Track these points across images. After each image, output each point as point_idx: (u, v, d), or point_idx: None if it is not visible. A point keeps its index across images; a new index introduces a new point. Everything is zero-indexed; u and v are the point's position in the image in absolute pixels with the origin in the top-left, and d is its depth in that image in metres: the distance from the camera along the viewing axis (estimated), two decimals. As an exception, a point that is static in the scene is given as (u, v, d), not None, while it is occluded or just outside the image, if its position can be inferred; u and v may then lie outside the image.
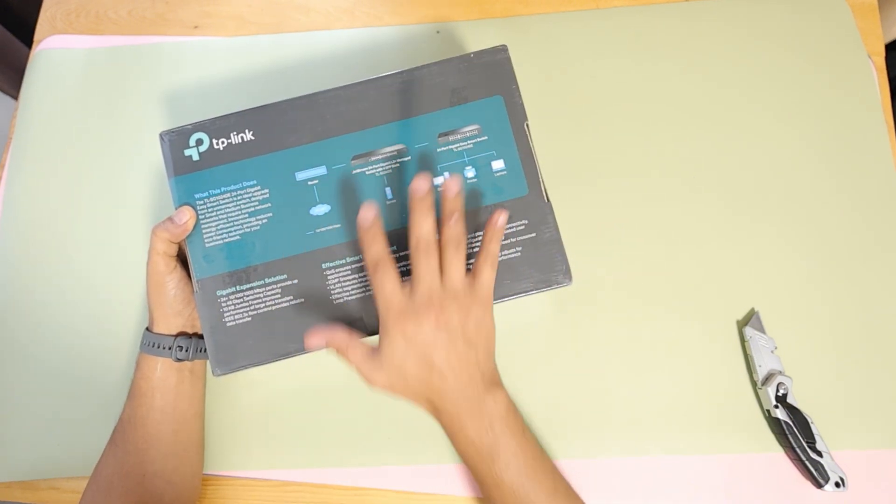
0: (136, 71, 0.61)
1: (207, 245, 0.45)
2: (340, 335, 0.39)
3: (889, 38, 0.65)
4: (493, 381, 0.41)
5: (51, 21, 0.65)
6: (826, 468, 0.45)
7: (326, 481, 0.49)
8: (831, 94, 0.56)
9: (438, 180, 0.45)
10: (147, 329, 0.45)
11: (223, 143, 0.47)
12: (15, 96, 0.82)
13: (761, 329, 0.49)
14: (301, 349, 0.44)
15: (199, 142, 0.47)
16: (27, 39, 0.66)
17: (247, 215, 0.45)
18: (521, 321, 0.51)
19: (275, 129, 0.47)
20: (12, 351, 0.53)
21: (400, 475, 0.49)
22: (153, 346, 0.44)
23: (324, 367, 0.50)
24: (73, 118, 0.60)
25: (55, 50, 0.62)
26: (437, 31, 0.60)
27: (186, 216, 0.43)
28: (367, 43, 0.61)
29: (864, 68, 0.56)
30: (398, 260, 0.44)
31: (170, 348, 0.44)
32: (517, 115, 0.46)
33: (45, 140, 0.59)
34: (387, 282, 0.38)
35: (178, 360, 0.44)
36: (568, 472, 0.48)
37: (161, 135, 0.47)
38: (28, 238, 0.56)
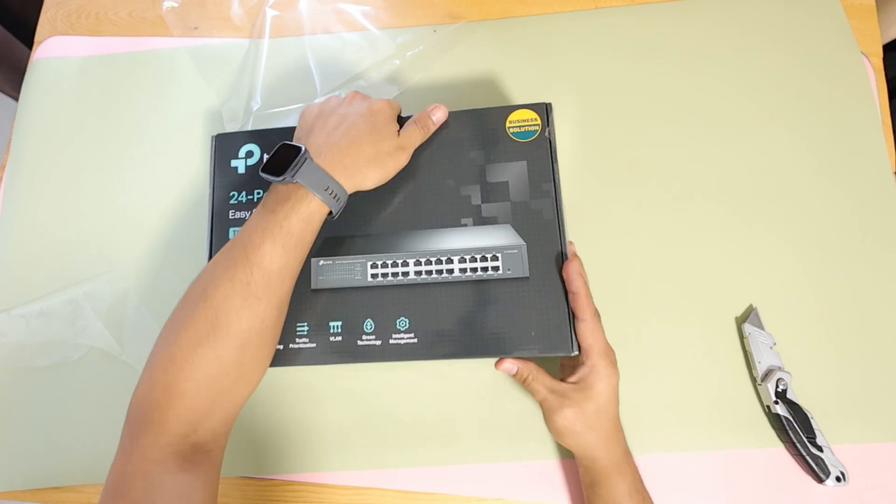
0: (135, 73, 0.61)
1: None
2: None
3: (887, 39, 0.65)
4: None
5: (51, 22, 0.65)
6: (827, 463, 0.45)
7: (327, 481, 0.49)
8: (826, 93, 0.56)
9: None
10: (318, 165, 0.39)
11: None
12: (15, 97, 0.82)
13: (760, 325, 0.49)
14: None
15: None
16: (27, 40, 0.67)
17: None
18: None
19: None
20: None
21: (400, 476, 0.49)
22: (328, 191, 0.39)
23: (324, 369, 0.50)
24: (71, 122, 0.60)
25: (54, 58, 0.63)
26: (434, 31, 0.61)
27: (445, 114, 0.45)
28: (367, 44, 0.61)
29: (858, 67, 0.57)
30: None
31: (337, 199, 0.39)
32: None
33: (44, 143, 0.59)
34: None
35: (331, 215, 0.40)
36: (569, 471, 0.48)
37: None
38: (27, 240, 0.56)
